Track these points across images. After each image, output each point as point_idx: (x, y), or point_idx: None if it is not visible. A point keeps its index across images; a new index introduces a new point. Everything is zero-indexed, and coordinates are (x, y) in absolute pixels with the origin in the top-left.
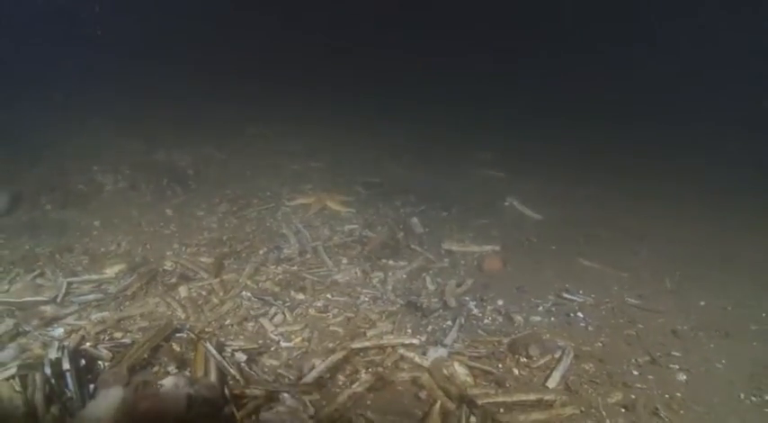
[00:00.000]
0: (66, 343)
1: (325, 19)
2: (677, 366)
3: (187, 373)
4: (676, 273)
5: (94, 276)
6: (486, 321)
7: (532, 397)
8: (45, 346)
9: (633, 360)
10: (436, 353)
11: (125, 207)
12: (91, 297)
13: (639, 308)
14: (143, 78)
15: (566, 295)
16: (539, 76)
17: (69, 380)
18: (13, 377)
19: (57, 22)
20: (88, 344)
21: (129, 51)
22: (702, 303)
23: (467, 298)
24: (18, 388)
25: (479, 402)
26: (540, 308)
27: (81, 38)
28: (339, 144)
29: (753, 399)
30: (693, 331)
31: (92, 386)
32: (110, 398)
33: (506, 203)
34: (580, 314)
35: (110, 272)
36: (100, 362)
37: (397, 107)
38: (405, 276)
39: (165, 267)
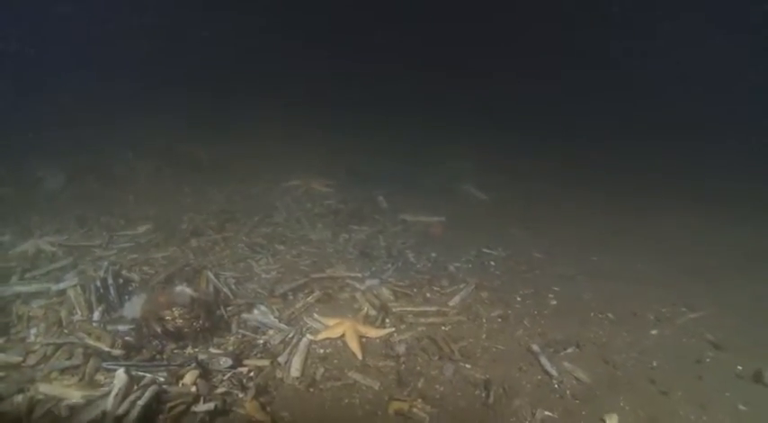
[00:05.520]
0: (110, 268)
1: (324, 33)
2: (552, 296)
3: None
4: (586, 239)
5: (129, 232)
6: (418, 266)
7: (434, 308)
8: (95, 270)
9: (521, 291)
10: (371, 282)
11: (153, 185)
12: (126, 245)
13: (542, 260)
14: (171, 86)
15: (485, 250)
16: (532, 83)
17: (112, 290)
18: (75, 286)
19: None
20: (124, 271)
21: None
22: (595, 258)
23: (408, 251)
24: (79, 292)
25: (394, 310)
26: (463, 258)
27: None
28: (334, 143)
29: (600, 316)
30: (578, 275)
31: (126, 297)
32: (140, 299)
33: (463, 187)
34: (492, 263)
35: (140, 229)
36: (132, 283)
37: (390, 113)
38: (364, 237)
39: (182, 227)
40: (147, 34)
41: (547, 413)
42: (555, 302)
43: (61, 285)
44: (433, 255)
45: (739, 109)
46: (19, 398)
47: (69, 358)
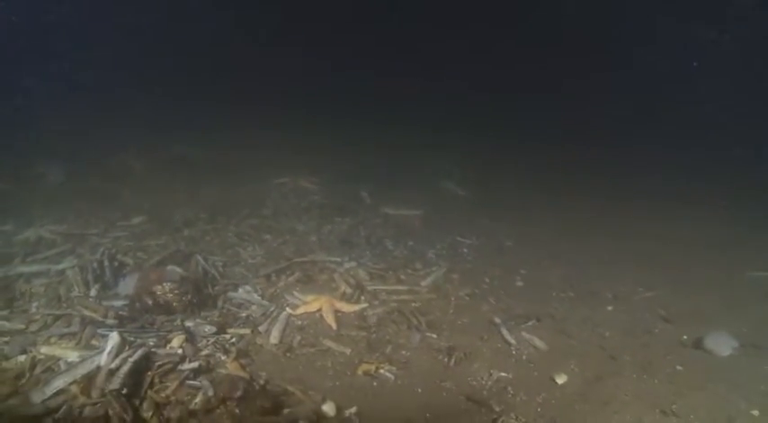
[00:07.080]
0: (106, 252)
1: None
2: (519, 278)
3: None
4: (556, 231)
5: (125, 223)
6: (395, 253)
7: (406, 287)
8: (92, 254)
9: (490, 274)
10: (349, 265)
11: (147, 182)
12: (122, 234)
13: (512, 248)
14: (166, 93)
15: (459, 238)
16: (515, 87)
17: (108, 271)
18: (74, 267)
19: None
20: (119, 256)
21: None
22: (563, 247)
23: (386, 240)
24: (77, 272)
25: (369, 288)
26: (438, 246)
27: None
28: (324, 147)
29: (561, 294)
30: (545, 261)
31: (121, 278)
32: (133, 279)
33: (443, 184)
34: (465, 250)
35: (135, 220)
36: (127, 266)
37: (377, 115)
38: (346, 228)
39: (175, 218)
40: (145, 35)
41: (502, 374)
42: (521, 283)
43: (60, 266)
44: (410, 243)
45: (724, 112)
46: (22, 358)
47: (68, 326)
